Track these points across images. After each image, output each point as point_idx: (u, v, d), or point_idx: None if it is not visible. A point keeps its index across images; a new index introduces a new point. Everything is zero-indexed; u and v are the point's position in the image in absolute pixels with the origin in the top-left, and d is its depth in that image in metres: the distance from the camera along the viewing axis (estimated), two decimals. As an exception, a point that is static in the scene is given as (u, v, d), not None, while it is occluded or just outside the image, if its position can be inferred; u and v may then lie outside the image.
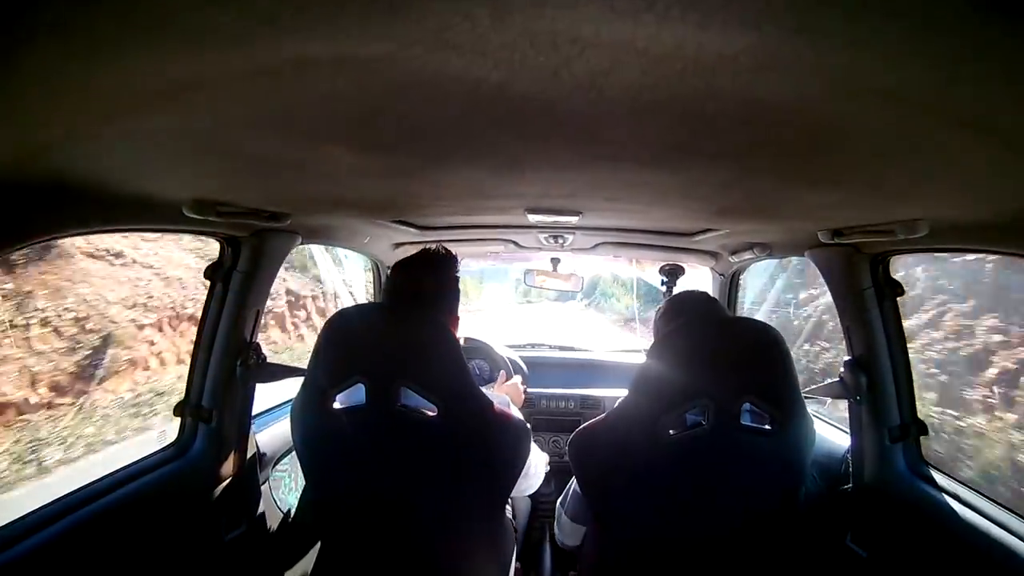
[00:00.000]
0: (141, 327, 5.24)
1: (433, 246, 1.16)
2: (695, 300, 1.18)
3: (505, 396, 1.17)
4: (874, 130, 0.51)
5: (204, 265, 1.20)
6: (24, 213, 0.70)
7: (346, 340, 1.03)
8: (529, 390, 2.10)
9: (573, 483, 1.25)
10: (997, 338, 3.17)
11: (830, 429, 1.43)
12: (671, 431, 0.96)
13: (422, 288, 1.09)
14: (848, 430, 1.25)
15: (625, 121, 0.52)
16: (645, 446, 0.97)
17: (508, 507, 1.42)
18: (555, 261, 2.11)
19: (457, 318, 1.16)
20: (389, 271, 1.16)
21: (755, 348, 0.96)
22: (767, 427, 1.00)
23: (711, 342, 0.97)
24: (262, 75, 0.42)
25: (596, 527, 1.12)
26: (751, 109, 0.48)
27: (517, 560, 1.38)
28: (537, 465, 1.23)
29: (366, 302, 1.13)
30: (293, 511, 1.36)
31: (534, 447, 1.20)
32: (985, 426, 2.97)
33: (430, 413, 0.99)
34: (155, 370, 5.29)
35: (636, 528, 1.05)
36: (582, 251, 1.95)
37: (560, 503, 1.33)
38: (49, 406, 4.27)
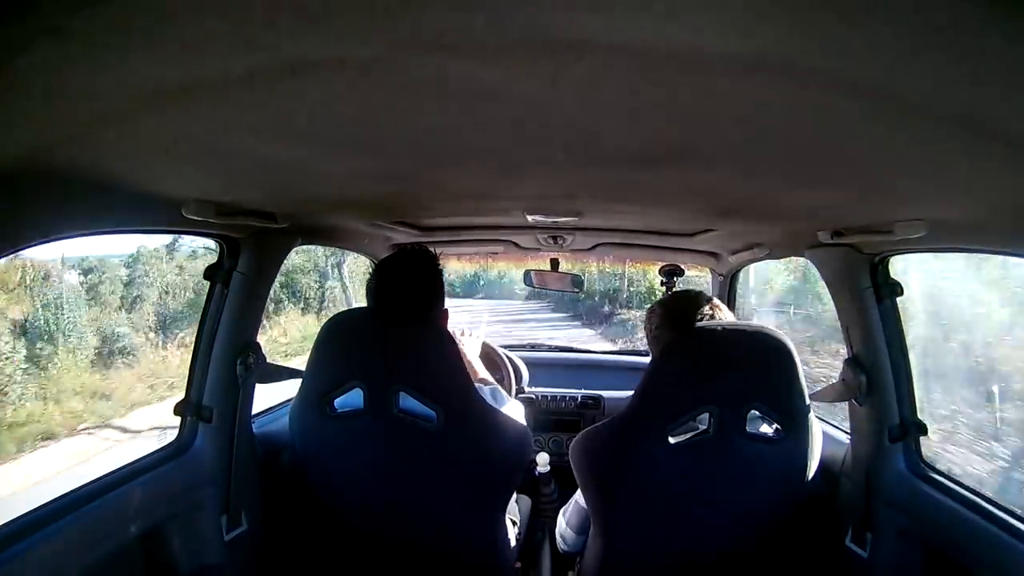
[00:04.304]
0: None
1: (410, 246, 1.14)
2: (701, 307, 1.12)
3: (500, 390, 1.15)
4: (872, 131, 0.52)
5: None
6: (22, 216, 0.70)
7: (343, 344, 1.02)
8: (529, 390, 2.10)
9: (577, 494, 1.24)
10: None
11: (829, 429, 1.42)
12: (672, 439, 0.96)
13: (411, 289, 1.07)
14: (847, 430, 1.25)
15: (623, 123, 0.53)
16: (648, 452, 0.97)
17: (508, 507, 1.42)
18: (555, 262, 2.12)
19: (446, 311, 1.15)
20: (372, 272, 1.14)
21: (762, 355, 0.95)
22: (772, 435, 0.99)
23: (717, 348, 0.96)
24: (260, 78, 0.42)
25: (597, 531, 1.11)
26: (749, 110, 0.48)
27: (517, 561, 1.38)
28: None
29: (364, 306, 1.11)
30: (293, 511, 1.36)
31: (512, 401, 1.16)
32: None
33: (429, 418, 0.98)
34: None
35: (637, 533, 1.04)
36: (582, 252, 1.95)
37: (563, 512, 1.32)
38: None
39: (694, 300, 1.14)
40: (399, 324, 1.01)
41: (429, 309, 1.07)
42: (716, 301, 1.14)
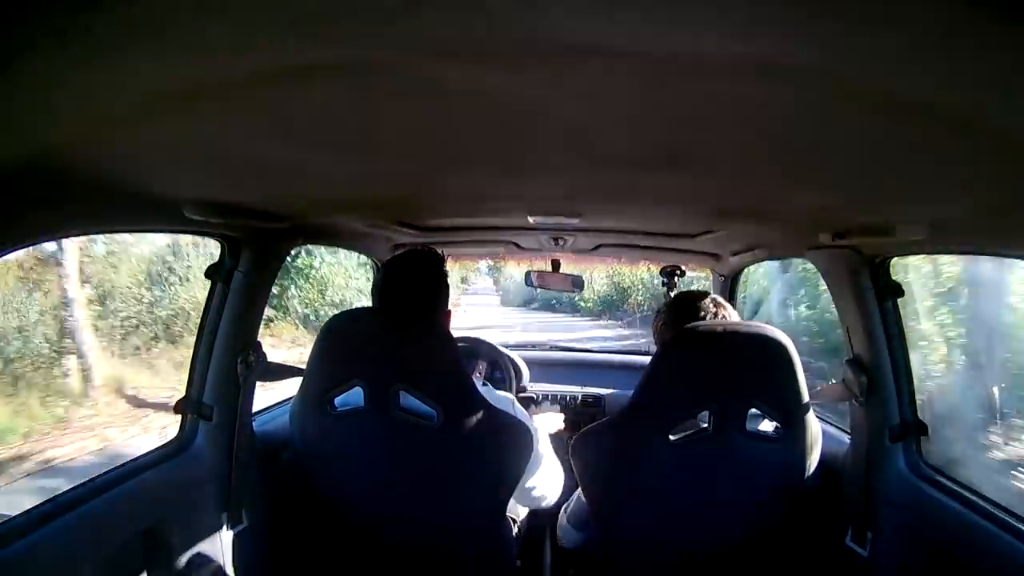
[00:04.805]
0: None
1: (419, 246, 1.15)
2: (702, 302, 1.15)
3: (510, 396, 1.16)
4: (872, 133, 0.52)
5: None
6: (24, 214, 0.71)
7: (345, 343, 1.03)
8: (530, 389, 2.11)
9: (579, 491, 1.24)
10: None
11: (830, 428, 1.43)
12: (672, 437, 0.96)
13: (415, 289, 1.07)
14: (848, 430, 1.25)
15: (624, 125, 0.53)
16: (649, 450, 0.97)
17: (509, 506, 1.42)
18: (555, 263, 2.12)
19: (449, 312, 1.16)
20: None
21: (761, 353, 0.96)
22: (772, 433, 1.00)
23: (717, 346, 0.97)
24: (262, 81, 0.43)
25: (598, 529, 1.12)
26: (749, 113, 0.48)
27: (518, 559, 1.38)
28: (550, 474, 1.21)
29: (366, 305, 1.12)
30: (294, 509, 1.37)
31: (548, 454, 1.19)
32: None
33: (430, 417, 0.99)
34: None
35: (637, 530, 1.05)
36: (583, 253, 1.95)
37: (564, 508, 1.33)
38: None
39: (698, 298, 1.15)
40: (401, 323, 1.01)
41: (432, 309, 1.08)
42: (720, 300, 1.15)
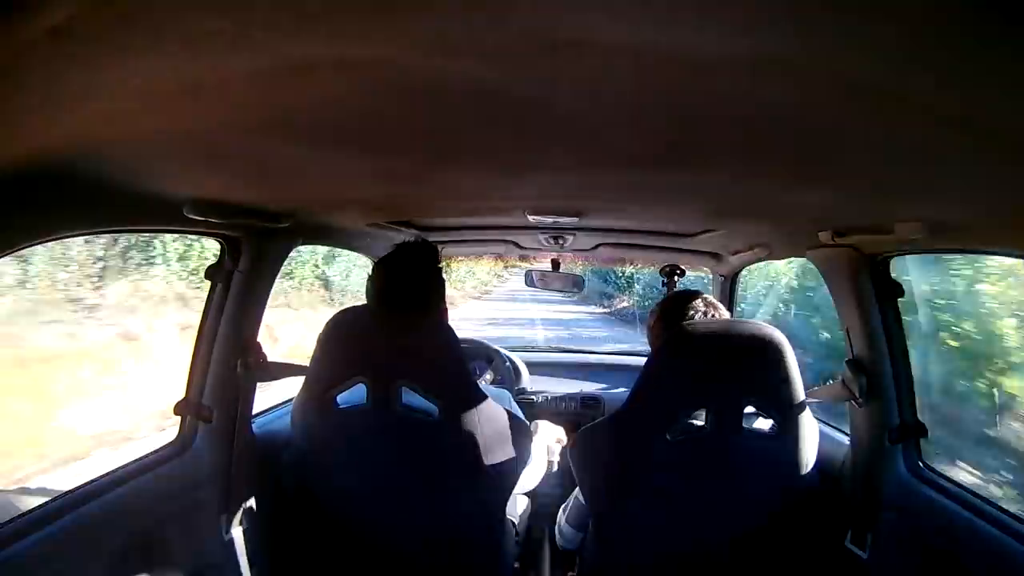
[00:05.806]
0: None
1: (411, 239, 1.14)
2: (692, 302, 1.16)
3: (506, 393, 1.16)
4: (873, 131, 0.52)
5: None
6: (23, 214, 0.70)
7: (348, 339, 1.03)
8: (529, 390, 2.11)
9: (577, 491, 1.24)
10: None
11: (829, 430, 1.43)
12: (669, 436, 0.96)
13: (411, 285, 1.06)
14: (848, 431, 1.25)
15: (624, 123, 0.53)
16: (647, 449, 0.98)
17: (508, 506, 1.42)
18: (555, 263, 2.12)
19: (445, 308, 1.15)
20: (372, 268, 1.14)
21: (756, 351, 0.96)
22: (768, 431, 1.00)
23: (713, 345, 0.97)
24: (262, 77, 0.43)
25: (596, 528, 1.12)
26: (749, 110, 0.48)
27: (517, 560, 1.38)
28: (535, 461, 1.23)
29: (368, 303, 1.12)
30: (293, 510, 1.37)
31: (534, 446, 1.20)
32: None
33: (431, 413, 0.99)
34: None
35: (635, 529, 1.05)
36: (583, 252, 1.95)
37: (563, 509, 1.33)
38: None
39: (688, 298, 1.16)
40: (401, 318, 1.01)
41: (429, 302, 1.08)
42: (711, 299, 1.16)
